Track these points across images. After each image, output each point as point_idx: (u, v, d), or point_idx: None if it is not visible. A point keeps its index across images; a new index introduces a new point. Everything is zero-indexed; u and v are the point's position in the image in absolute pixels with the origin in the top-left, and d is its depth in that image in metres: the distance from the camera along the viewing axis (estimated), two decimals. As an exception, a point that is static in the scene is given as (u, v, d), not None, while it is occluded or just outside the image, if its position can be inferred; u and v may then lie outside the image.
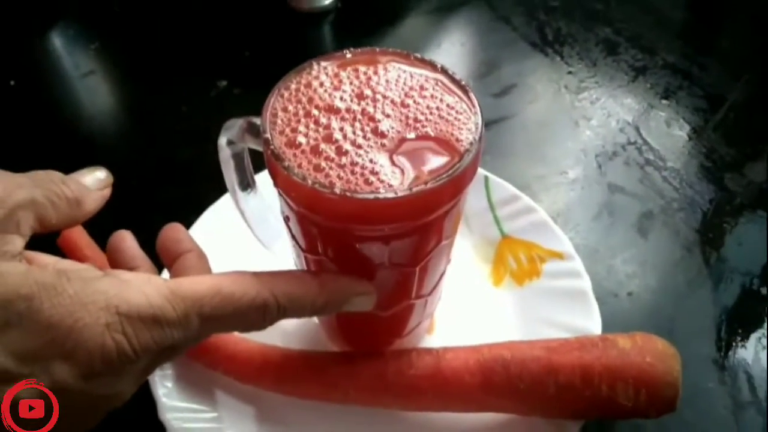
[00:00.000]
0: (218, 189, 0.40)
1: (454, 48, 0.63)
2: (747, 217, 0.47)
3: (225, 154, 0.32)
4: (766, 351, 0.40)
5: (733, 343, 0.40)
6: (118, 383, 0.22)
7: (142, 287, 0.22)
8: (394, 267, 0.27)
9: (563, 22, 0.65)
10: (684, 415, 0.33)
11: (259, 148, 0.30)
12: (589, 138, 0.54)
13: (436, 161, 0.25)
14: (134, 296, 0.21)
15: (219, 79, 0.58)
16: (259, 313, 0.24)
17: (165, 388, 0.34)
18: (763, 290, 0.43)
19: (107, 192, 0.27)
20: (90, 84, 0.60)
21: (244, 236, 0.36)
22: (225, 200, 0.42)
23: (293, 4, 0.66)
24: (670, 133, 0.54)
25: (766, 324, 0.41)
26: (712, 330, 0.41)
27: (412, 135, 0.26)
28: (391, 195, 0.24)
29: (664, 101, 0.57)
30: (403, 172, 0.25)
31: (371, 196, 0.24)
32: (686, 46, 0.62)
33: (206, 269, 0.27)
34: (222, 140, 0.31)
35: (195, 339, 0.23)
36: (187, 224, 0.42)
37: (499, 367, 0.32)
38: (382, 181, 0.24)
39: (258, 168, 0.33)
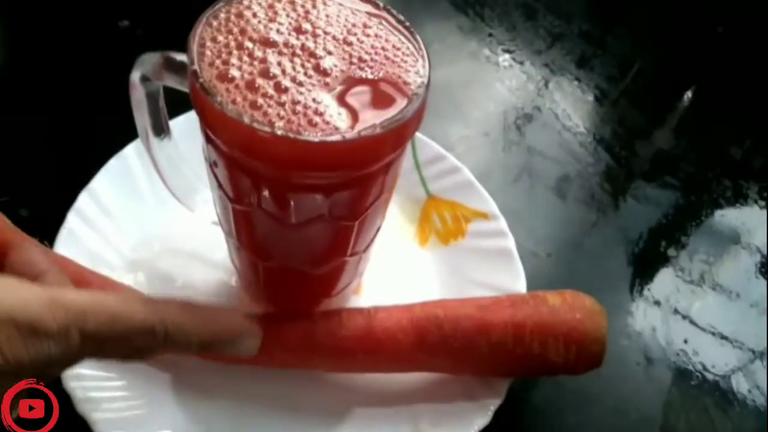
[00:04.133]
0: (118, 141, 0.36)
1: (374, 3, 0.61)
2: (656, 182, 0.49)
3: (138, 93, 0.28)
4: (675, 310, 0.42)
5: (645, 302, 0.42)
6: None
7: (18, 290, 0.18)
8: (334, 220, 0.26)
9: (484, -17, 0.64)
10: (600, 371, 0.33)
11: (178, 87, 0.27)
12: (509, 101, 0.53)
13: (384, 104, 0.23)
14: (9, 299, 0.18)
15: (120, 18, 0.52)
16: (146, 339, 0.21)
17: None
18: (671, 251, 0.45)
19: None
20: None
21: (154, 193, 0.32)
22: (126, 153, 0.37)
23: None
24: (584, 100, 0.55)
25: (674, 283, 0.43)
26: (626, 290, 0.42)
27: (357, 74, 0.24)
28: (338, 138, 0.22)
29: (579, 69, 0.57)
30: (350, 113, 0.23)
31: (317, 138, 0.21)
32: (601, 14, 0.64)
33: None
34: (135, 76, 0.27)
35: (70, 361, 0.20)
36: (84, 178, 0.37)
37: (433, 327, 0.31)
38: (327, 123, 0.22)
39: (171, 113, 0.30)
